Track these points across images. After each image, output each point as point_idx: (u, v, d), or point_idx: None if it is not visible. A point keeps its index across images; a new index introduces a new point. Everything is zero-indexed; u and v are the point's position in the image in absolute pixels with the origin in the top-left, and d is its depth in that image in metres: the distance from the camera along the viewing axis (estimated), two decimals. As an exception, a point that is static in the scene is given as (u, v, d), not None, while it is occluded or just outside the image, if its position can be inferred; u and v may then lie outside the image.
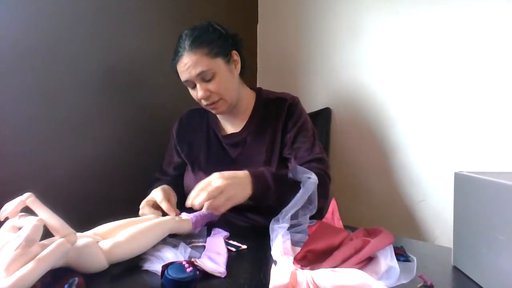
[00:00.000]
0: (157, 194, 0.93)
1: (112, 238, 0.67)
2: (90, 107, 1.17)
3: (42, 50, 1.05)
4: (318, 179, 0.79)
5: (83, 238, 0.63)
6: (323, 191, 0.86)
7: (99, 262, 0.63)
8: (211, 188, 0.78)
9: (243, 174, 0.86)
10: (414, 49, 1.30)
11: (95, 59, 1.17)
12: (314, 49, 1.56)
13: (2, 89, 0.99)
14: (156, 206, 0.93)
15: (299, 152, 1.02)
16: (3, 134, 0.99)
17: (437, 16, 1.24)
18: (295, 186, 0.80)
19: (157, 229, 0.73)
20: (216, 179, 0.80)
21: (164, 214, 0.89)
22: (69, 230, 0.59)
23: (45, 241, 0.58)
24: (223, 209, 0.81)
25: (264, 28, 1.74)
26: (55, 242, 0.56)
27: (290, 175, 0.89)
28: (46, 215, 0.59)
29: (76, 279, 0.55)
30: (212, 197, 0.78)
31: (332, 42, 1.51)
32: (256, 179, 0.86)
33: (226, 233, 0.83)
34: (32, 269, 0.51)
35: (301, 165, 0.98)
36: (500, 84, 1.12)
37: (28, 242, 0.53)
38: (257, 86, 1.71)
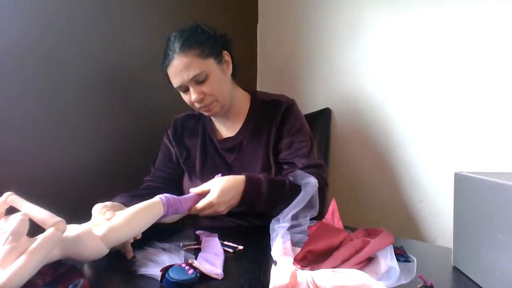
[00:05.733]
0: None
1: (106, 223, 0.67)
2: (87, 107, 1.17)
3: (40, 50, 1.05)
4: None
5: (77, 228, 0.62)
6: (320, 197, 0.86)
7: (98, 249, 0.62)
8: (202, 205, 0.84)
9: (239, 182, 0.89)
10: (414, 49, 1.29)
11: (93, 59, 1.17)
12: (314, 49, 1.56)
13: (0, 89, 0.99)
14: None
15: (297, 158, 1.01)
16: (0, 133, 0.99)
17: (437, 16, 1.23)
18: (292, 194, 0.81)
19: (150, 210, 0.73)
20: (212, 192, 0.85)
21: None
22: (56, 218, 0.56)
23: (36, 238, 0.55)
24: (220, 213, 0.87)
25: (264, 28, 1.74)
26: (45, 232, 0.54)
27: (291, 179, 0.89)
28: (30, 209, 0.57)
29: (82, 280, 0.54)
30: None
31: (332, 42, 1.51)
32: (249, 186, 0.89)
33: (215, 235, 0.82)
34: (26, 262, 0.50)
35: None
36: (500, 84, 1.12)
37: (15, 235, 0.51)
38: (257, 85, 1.72)
